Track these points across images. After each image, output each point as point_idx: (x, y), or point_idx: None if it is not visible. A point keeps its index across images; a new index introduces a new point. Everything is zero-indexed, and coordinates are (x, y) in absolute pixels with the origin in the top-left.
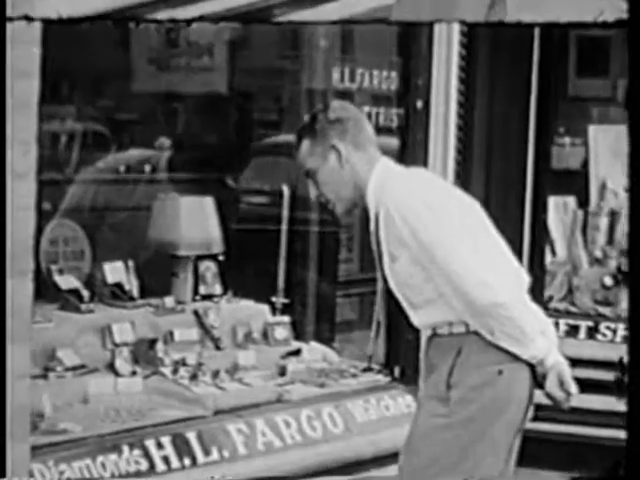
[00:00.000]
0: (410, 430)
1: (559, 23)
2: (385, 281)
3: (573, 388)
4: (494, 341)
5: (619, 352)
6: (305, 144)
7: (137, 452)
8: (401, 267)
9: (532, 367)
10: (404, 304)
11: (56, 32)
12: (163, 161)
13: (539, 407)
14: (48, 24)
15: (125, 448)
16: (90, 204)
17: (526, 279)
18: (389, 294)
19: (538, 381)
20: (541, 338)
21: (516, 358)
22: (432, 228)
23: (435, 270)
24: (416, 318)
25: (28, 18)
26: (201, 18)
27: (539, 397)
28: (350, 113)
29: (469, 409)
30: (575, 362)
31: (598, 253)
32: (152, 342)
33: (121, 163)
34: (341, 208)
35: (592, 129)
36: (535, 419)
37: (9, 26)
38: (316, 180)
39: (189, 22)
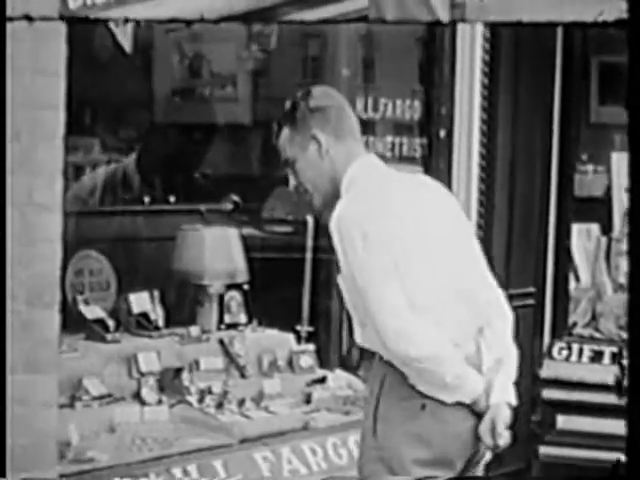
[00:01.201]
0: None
1: (560, 23)
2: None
3: (503, 440)
4: (412, 384)
5: None
6: (285, 132)
7: None
8: (343, 283)
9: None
10: (353, 316)
11: (81, 63)
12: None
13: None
14: (64, 23)
15: (152, 476)
16: (115, 235)
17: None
18: None
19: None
20: (472, 383)
21: None
22: (362, 260)
23: (359, 302)
24: (357, 335)
25: (28, 18)
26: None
27: (565, 422)
28: (333, 101)
29: (393, 443)
30: (599, 388)
31: (622, 279)
32: (178, 371)
33: (93, 182)
34: (319, 201)
35: (615, 156)
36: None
37: (33, 56)
38: (295, 170)
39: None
